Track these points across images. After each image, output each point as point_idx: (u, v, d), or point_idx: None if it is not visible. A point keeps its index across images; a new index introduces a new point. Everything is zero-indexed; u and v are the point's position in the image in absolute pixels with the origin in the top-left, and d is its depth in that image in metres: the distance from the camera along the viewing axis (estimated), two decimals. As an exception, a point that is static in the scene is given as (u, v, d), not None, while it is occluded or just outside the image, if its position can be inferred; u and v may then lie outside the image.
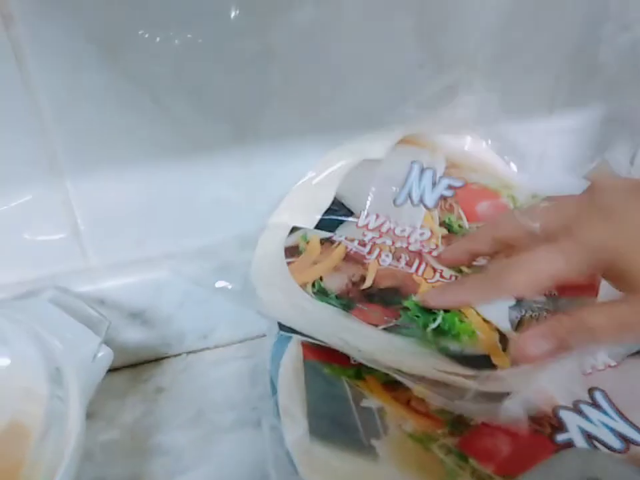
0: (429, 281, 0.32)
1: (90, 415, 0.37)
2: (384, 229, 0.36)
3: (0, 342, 0.27)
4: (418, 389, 0.26)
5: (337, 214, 0.37)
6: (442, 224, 0.36)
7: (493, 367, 0.27)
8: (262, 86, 0.35)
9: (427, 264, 0.33)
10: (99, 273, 0.37)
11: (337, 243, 0.35)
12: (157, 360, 0.41)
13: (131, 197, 0.36)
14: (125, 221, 0.37)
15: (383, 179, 0.39)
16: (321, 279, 0.31)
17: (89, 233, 0.36)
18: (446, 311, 0.29)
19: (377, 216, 0.37)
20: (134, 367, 0.41)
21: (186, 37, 0.31)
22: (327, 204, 0.37)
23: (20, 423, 0.24)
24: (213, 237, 0.37)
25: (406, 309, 0.30)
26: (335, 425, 0.26)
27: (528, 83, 0.41)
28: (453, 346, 0.27)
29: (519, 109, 0.40)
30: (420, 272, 0.32)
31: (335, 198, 0.38)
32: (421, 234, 0.35)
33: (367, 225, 0.37)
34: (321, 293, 0.31)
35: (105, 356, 0.31)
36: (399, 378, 0.27)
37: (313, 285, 0.31)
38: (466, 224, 0.36)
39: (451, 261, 0.33)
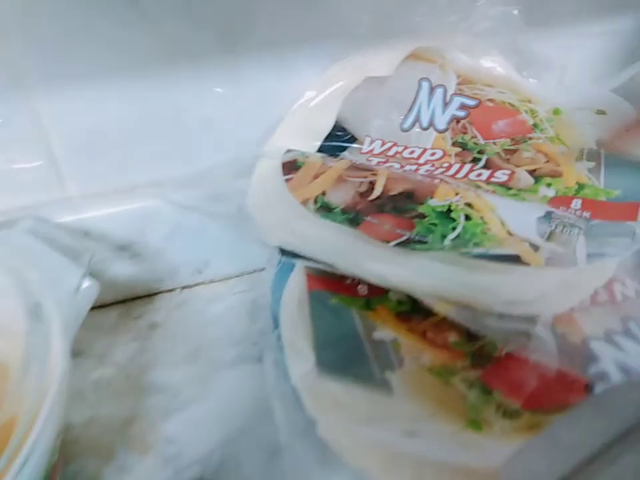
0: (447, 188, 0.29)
1: (79, 352, 0.36)
2: (391, 153, 0.34)
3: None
4: (441, 305, 0.24)
5: (338, 140, 0.34)
6: (454, 144, 0.33)
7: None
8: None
9: (441, 180, 0.30)
10: (81, 202, 0.34)
11: (339, 157, 0.32)
12: (150, 295, 0.39)
13: (110, 116, 0.33)
14: (105, 145, 0.34)
15: (389, 100, 0.35)
16: (323, 193, 0.28)
17: (66, 159, 0.33)
18: (467, 218, 0.26)
19: (383, 142, 0.34)
20: (125, 302, 0.39)
21: None
22: (327, 129, 0.34)
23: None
24: (202, 162, 0.34)
25: (421, 216, 0.27)
26: (345, 357, 0.24)
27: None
28: (477, 249, 0.24)
29: (541, 17, 0.36)
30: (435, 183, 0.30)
31: (336, 122, 0.34)
32: (432, 154, 0.32)
33: (371, 151, 0.34)
34: (325, 208, 0.27)
35: (90, 288, 0.28)
36: (417, 296, 0.24)
37: (315, 201, 0.28)
38: (481, 140, 0.33)
39: None
